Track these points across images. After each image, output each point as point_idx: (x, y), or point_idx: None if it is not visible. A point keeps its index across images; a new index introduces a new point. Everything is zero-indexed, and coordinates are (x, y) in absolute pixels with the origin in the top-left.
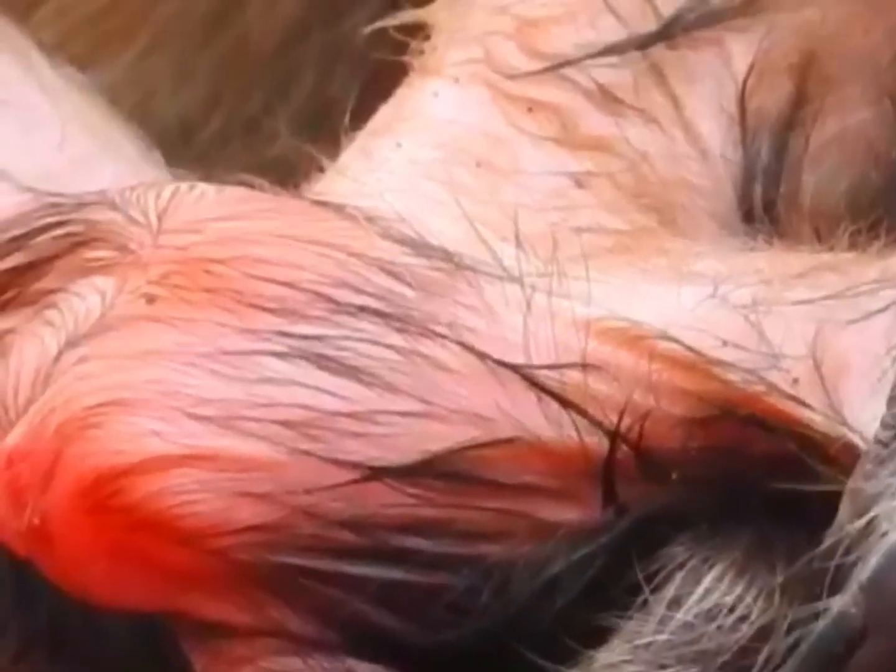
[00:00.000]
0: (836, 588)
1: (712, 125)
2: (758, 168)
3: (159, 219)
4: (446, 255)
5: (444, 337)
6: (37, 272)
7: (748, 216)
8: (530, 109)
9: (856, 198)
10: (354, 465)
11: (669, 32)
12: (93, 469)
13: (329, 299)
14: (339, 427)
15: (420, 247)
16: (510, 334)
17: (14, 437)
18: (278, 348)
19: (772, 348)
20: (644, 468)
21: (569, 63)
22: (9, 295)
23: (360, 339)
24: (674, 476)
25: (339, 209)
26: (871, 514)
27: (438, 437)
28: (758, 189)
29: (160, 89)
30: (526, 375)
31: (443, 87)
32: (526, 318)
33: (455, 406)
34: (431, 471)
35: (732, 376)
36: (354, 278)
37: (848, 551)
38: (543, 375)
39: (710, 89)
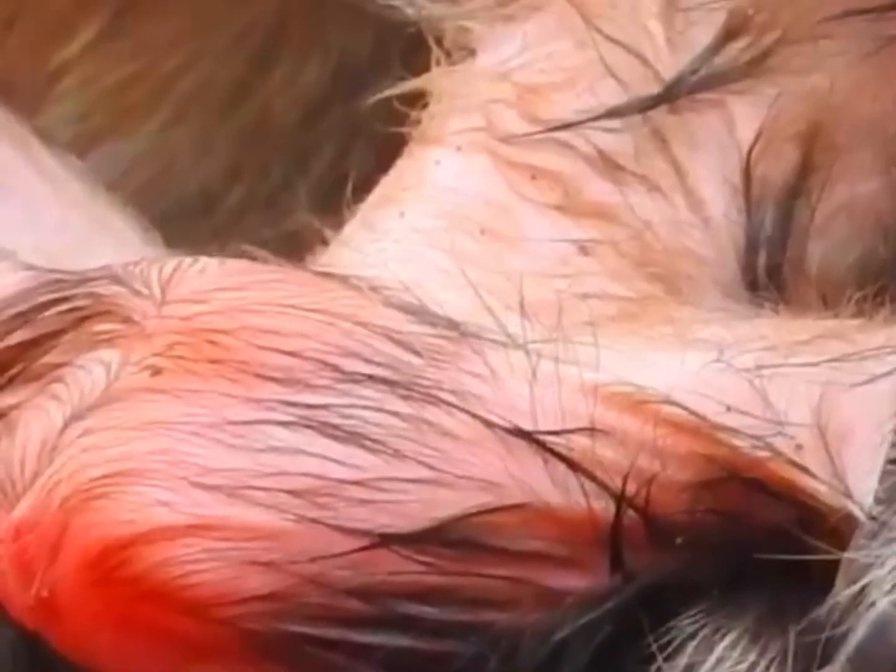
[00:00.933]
0: (827, 658)
1: (716, 192)
2: (762, 237)
3: (163, 290)
4: (451, 324)
5: (450, 404)
6: (42, 347)
7: (752, 284)
8: (533, 177)
9: (864, 269)
10: (362, 533)
11: (672, 95)
12: (99, 540)
13: (335, 368)
14: (346, 495)
15: (424, 315)
16: (517, 400)
17: (21, 510)
18: (284, 417)
19: (776, 414)
20: (651, 533)
21: (568, 126)
22: (14, 370)
23: (366, 407)
24: (679, 541)
25: (343, 279)
26: (862, 583)
27: (446, 504)
28: (762, 258)
29: (181, 160)
30: (533, 440)
31: (444, 155)
32: (532, 385)
33: (462, 472)
34: (439, 538)
35: (737, 441)
36: (360, 347)
37: (840, 621)
38: (550, 441)
39: (714, 156)
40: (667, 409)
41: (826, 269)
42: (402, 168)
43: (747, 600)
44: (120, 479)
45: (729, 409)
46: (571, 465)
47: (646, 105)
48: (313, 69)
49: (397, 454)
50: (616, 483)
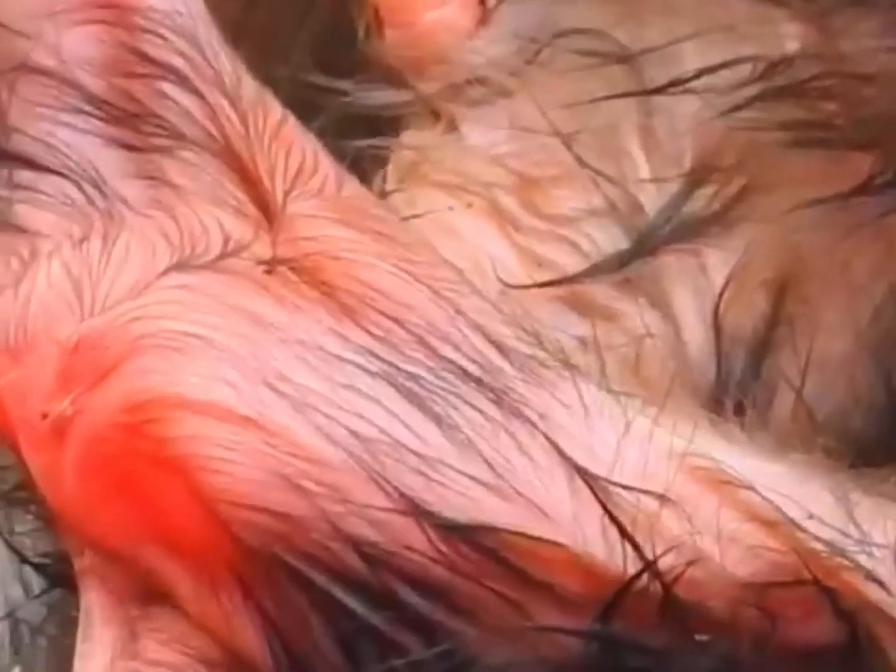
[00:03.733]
0: None
1: (694, 329)
2: (731, 382)
3: (285, 193)
4: (558, 350)
5: (534, 424)
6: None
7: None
8: (539, 265)
9: (836, 432)
10: (401, 496)
11: (644, 249)
12: (151, 387)
13: (430, 347)
14: (404, 459)
15: (531, 334)
16: (600, 446)
17: (91, 324)
18: (371, 367)
19: (860, 530)
20: (665, 611)
21: (561, 282)
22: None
23: (453, 394)
24: (699, 637)
25: (442, 257)
26: None
27: (494, 512)
28: (729, 401)
29: None
30: (601, 491)
31: (457, 205)
32: (622, 436)
33: (523, 491)
34: (471, 537)
35: (816, 545)
36: (458, 337)
37: None
38: (619, 494)
39: (691, 295)
40: (748, 495)
41: (795, 419)
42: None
43: None
44: (199, 342)
45: (811, 516)
46: (620, 528)
47: (621, 261)
48: None
49: (468, 447)
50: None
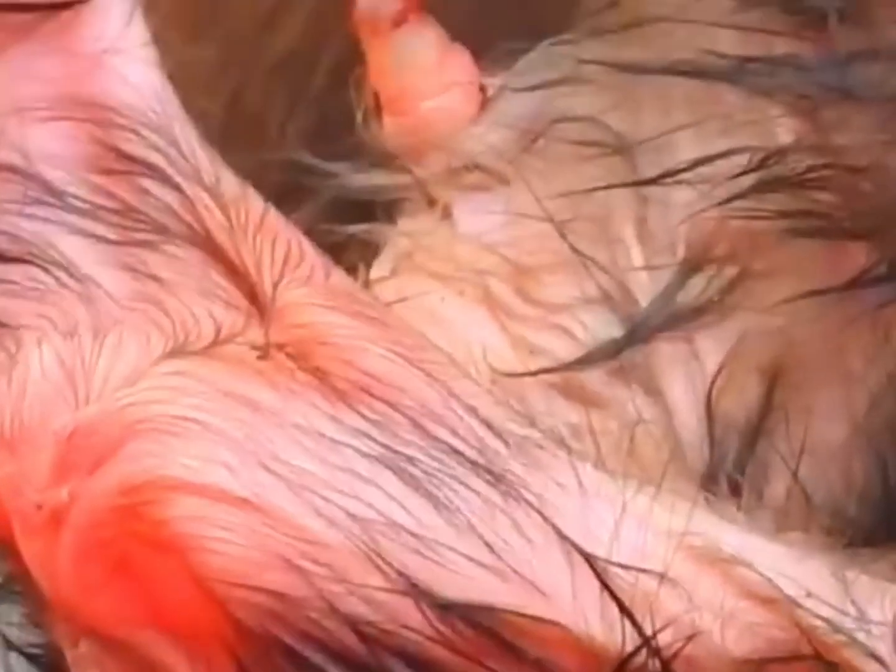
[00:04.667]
0: None
1: (688, 416)
2: (722, 469)
3: (275, 284)
4: (552, 431)
5: (530, 505)
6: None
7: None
8: (532, 352)
9: (830, 517)
10: (400, 575)
11: (637, 338)
12: (147, 470)
13: (425, 431)
14: (401, 540)
15: (524, 415)
16: (597, 525)
17: (85, 414)
18: (368, 450)
19: (859, 611)
20: None
21: (554, 370)
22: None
23: (449, 475)
24: None
25: (431, 342)
26: None
27: (492, 591)
28: (722, 485)
29: None
30: (600, 571)
31: (448, 294)
32: (619, 516)
33: (521, 570)
34: (469, 616)
35: (815, 622)
36: (453, 420)
37: None
38: (616, 573)
39: (684, 382)
40: (746, 573)
41: (790, 500)
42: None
43: None
44: (195, 426)
45: (809, 594)
46: (620, 605)
47: (614, 350)
48: None
49: (465, 528)
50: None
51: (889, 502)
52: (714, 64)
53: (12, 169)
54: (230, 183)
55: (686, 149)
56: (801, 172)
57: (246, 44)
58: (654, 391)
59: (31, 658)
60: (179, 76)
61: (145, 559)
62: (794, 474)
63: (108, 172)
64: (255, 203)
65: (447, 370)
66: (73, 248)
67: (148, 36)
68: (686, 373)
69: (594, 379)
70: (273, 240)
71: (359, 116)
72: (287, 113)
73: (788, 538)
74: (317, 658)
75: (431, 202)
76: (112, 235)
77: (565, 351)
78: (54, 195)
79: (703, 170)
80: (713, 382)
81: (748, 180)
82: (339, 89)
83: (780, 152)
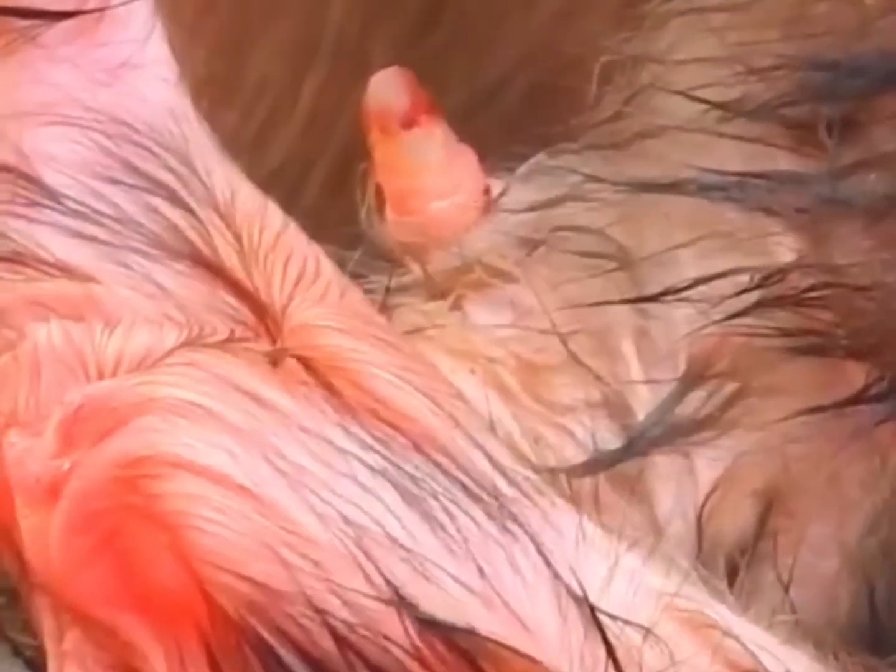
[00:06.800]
0: None
1: (676, 530)
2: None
3: (284, 306)
4: (554, 479)
5: (526, 542)
6: None
7: None
8: (536, 441)
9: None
10: (387, 583)
11: (634, 451)
12: (149, 445)
13: (431, 459)
14: (392, 551)
15: (527, 460)
16: (588, 573)
17: (97, 388)
18: (372, 462)
19: None
20: None
21: (552, 472)
22: None
23: (450, 500)
24: None
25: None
26: None
27: (476, 617)
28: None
29: None
30: (590, 612)
31: (460, 370)
32: (612, 568)
33: (509, 602)
34: (450, 638)
35: None
36: (459, 453)
37: None
38: (603, 622)
39: (675, 496)
40: (730, 643)
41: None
42: None
43: None
44: (205, 413)
45: None
46: (608, 648)
47: (611, 460)
48: None
49: (459, 551)
50: None
51: (875, 628)
52: (715, 181)
53: (6, 169)
54: (247, 198)
55: (687, 266)
56: (801, 291)
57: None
58: (646, 503)
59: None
60: None
61: (135, 532)
62: (787, 587)
63: (114, 182)
64: (273, 220)
65: (455, 402)
66: (64, 247)
67: (168, 52)
68: (679, 488)
69: (589, 482)
70: (287, 259)
71: (362, 212)
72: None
73: (776, 620)
74: (288, 658)
75: (441, 295)
76: (107, 237)
77: (567, 450)
78: (51, 197)
79: (704, 288)
80: (706, 500)
81: (749, 298)
82: (333, 199)
83: (781, 271)
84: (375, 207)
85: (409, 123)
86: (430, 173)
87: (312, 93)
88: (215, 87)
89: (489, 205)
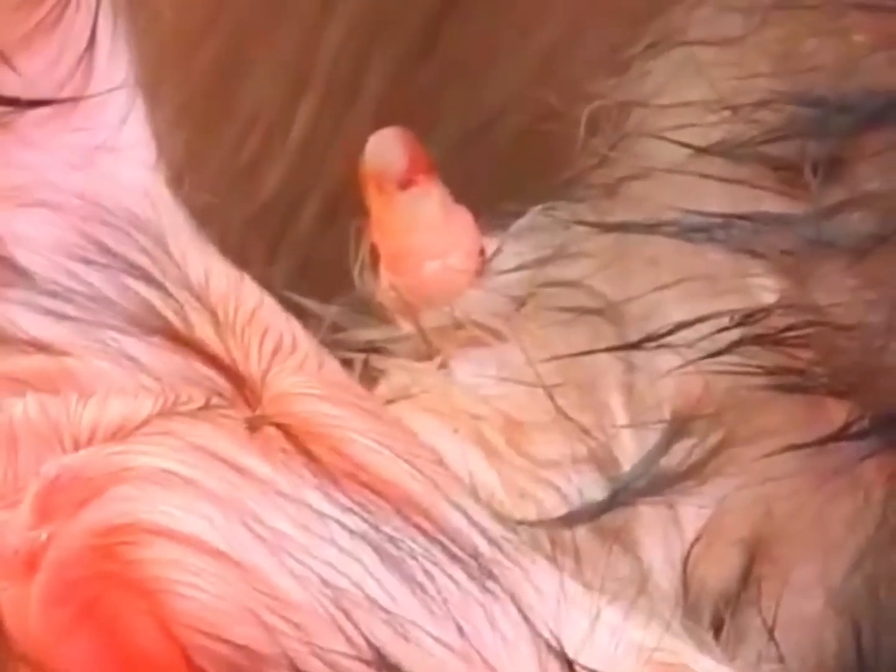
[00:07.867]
0: None
1: (663, 577)
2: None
3: (263, 374)
4: (533, 539)
5: (506, 601)
6: None
7: None
8: (522, 496)
9: None
10: (368, 645)
11: (617, 502)
12: (126, 513)
13: (410, 520)
14: (372, 612)
15: (506, 520)
16: (569, 629)
17: (72, 460)
18: (352, 526)
19: None
20: None
21: (538, 525)
22: None
23: (430, 561)
24: None
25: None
26: None
27: None
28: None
29: None
30: (568, 667)
31: (443, 429)
32: (593, 624)
33: (490, 661)
34: None
35: None
36: (437, 514)
37: None
38: None
39: (661, 546)
40: None
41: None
42: None
43: None
44: (181, 480)
45: None
46: None
47: (596, 511)
48: None
49: (439, 612)
50: None
51: (862, 669)
52: (699, 223)
53: None
54: (222, 277)
55: (671, 311)
56: (781, 329)
57: (228, 191)
58: (631, 553)
59: None
60: None
61: (114, 599)
62: (771, 632)
63: (87, 262)
64: (249, 296)
65: (434, 467)
66: (38, 325)
67: (147, 134)
68: (665, 538)
69: (574, 533)
70: (263, 332)
71: (355, 270)
72: (269, 257)
73: (763, 670)
74: None
75: (428, 355)
76: (81, 315)
77: (551, 504)
78: (24, 277)
79: (686, 333)
80: (690, 549)
81: (730, 336)
82: (324, 234)
83: (763, 310)
84: (370, 265)
85: (406, 183)
86: (425, 233)
87: (305, 123)
88: (207, 117)
89: (483, 266)
